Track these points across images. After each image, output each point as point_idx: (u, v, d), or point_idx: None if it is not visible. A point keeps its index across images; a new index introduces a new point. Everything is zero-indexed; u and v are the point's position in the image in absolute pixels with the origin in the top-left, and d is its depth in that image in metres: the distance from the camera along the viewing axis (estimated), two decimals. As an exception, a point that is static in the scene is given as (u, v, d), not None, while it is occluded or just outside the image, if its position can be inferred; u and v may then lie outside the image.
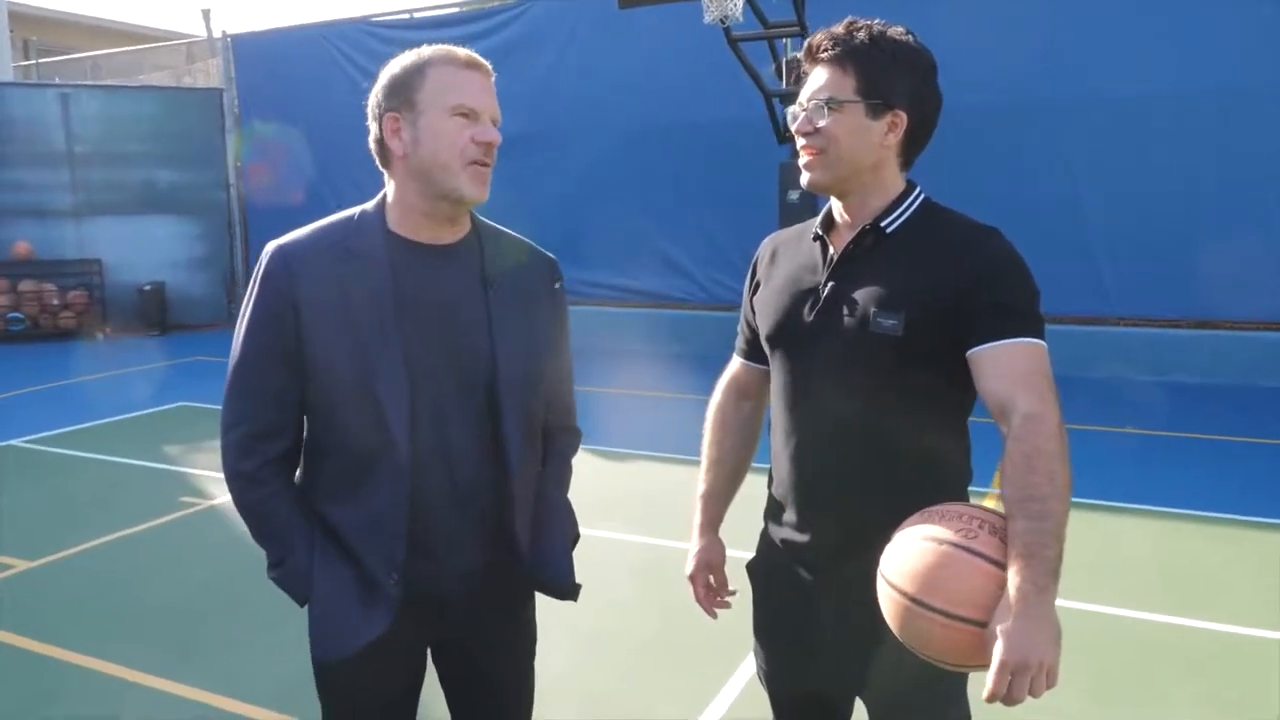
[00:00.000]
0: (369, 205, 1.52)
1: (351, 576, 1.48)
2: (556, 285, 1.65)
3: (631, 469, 5.38)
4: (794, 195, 8.42)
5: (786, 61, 7.95)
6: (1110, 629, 3.41)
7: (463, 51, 1.46)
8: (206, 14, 13.40)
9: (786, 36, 7.81)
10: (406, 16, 11.76)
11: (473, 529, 1.53)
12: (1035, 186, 8.43)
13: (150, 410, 7.51)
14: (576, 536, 1.72)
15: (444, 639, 1.62)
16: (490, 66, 1.48)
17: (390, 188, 1.51)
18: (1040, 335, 1.40)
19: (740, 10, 6.79)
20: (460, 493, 1.50)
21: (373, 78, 1.50)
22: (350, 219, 1.51)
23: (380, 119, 1.46)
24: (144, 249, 12.06)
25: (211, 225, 12.64)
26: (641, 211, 10.07)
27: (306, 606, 1.55)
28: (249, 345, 1.47)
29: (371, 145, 1.50)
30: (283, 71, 12.19)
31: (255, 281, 1.47)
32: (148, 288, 11.90)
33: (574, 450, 1.75)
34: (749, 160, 9.20)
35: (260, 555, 1.54)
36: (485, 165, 1.45)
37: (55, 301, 11.48)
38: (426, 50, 1.46)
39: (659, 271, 10.31)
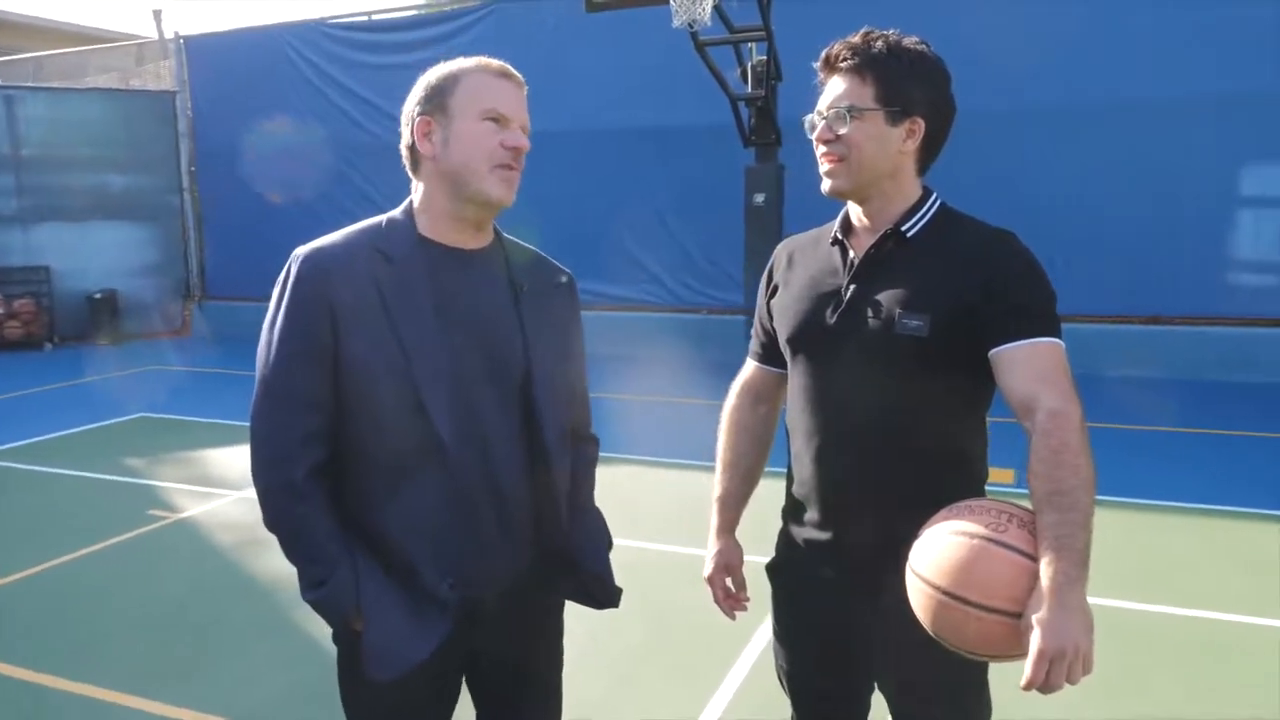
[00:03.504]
0: (396, 212, 1.53)
1: (398, 589, 1.46)
2: (573, 298, 1.69)
3: (608, 473, 5.36)
4: (759, 198, 8.53)
5: (752, 66, 8.03)
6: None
7: (496, 62, 1.50)
8: (158, 14, 13.03)
9: (752, 41, 7.90)
10: (365, 19, 11.63)
11: (512, 534, 1.53)
12: (993, 189, 8.60)
13: (109, 422, 7.31)
14: (610, 543, 1.73)
15: (480, 648, 1.60)
16: (522, 78, 1.52)
17: (418, 193, 1.53)
18: (1058, 334, 1.45)
19: (708, 15, 6.85)
20: (500, 496, 1.50)
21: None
22: (379, 224, 1.51)
23: (412, 123, 1.49)
24: (94, 256, 11.73)
25: (165, 231, 12.35)
26: (606, 215, 10.09)
27: (331, 628, 1.52)
28: (283, 351, 1.44)
29: (403, 150, 1.53)
30: (238, 74, 11.96)
31: (285, 287, 1.45)
32: (98, 296, 11.58)
33: (596, 459, 1.77)
34: (715, 164, 9.28)
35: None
36: (512, 169, 1.48)
37: (0, 311, 11.12)
38: (463, 60, 1.50)
39: (624, 274, 10.32)
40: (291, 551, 1.48)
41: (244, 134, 11.79)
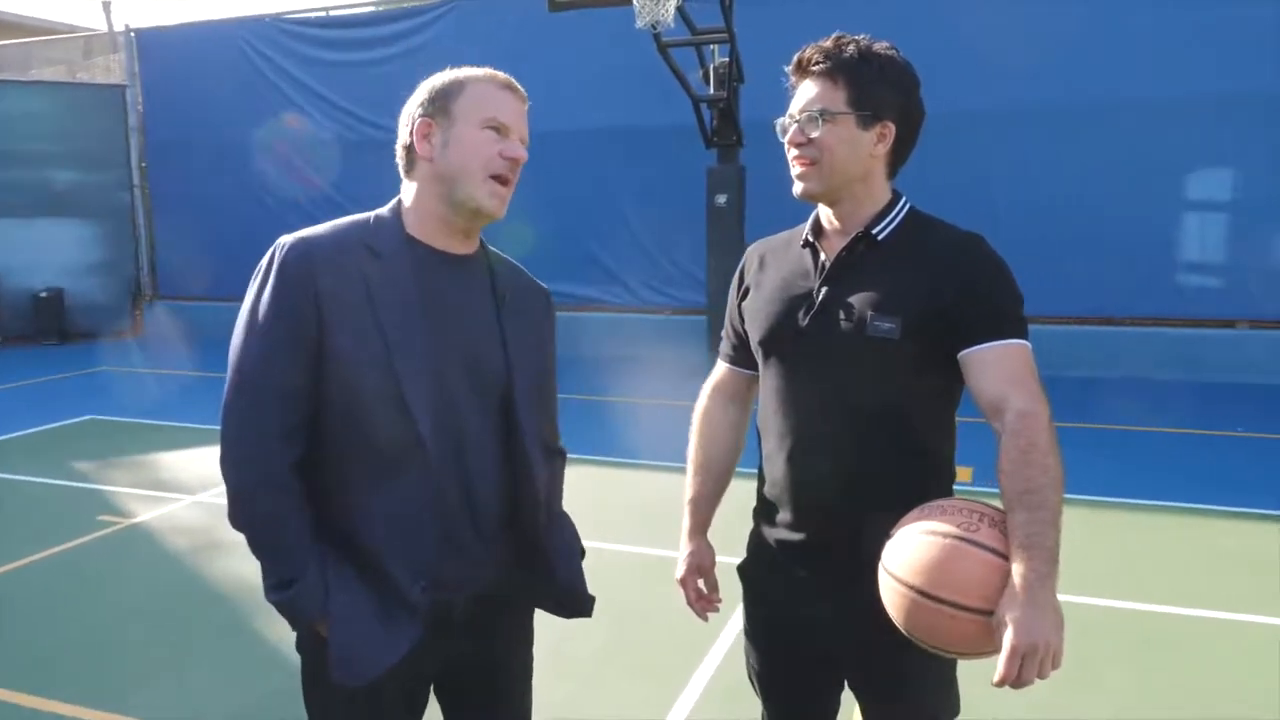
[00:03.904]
0: (383, 210, 1.52)
1: (369, 590, 1.43)
2: (550, 312, 1.70)
3: (570, 474, 5.32)
4: (721, 199, 8.57)
5: (715, 68, 8.07)
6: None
7: (503, 74, 1.52)
8: (107, 6, 12.72)
9: (714, 43, 7.93)
10: (322, 14, 11.46)
11: (487, 539, 1.52)
12: (990, 188, 8.65)
13: (56, 424, 7.11)
14: (583, 551, 1.72)
15: (451, 654, 1.57)
16: (526, 93, 1.54)
17: (409, 193, 1.52)
18: (1025, 336, 1.48)
19: (671, 16, 6.86)
20: (475, 501, 1.49)
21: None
22: (366, 221, 1.50)
23: (413, 123, 1.49)
24: (40, 253, 11.40)
25: (114, 228, 12.04)
26: (569, 214, 10.05)
27: (294, 631, 1.50)
28: (265, 341, 1.39)
29: (399, 150, 1.53)
30: (191, 68, 11.72)
31: (269, 275, 1.41)
32: (44, 294, 11.28)
33: (564, 470, 1.76)
34: (677, 165, 9.31)
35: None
36: (505, 183, 1.49)
37: (-60, 310, 10.78)
38: (470, 68, 1.51)
39: (587, 275, 10.31)
40: (260, 550, 1.43)
41: (197, 129, 11.56)
